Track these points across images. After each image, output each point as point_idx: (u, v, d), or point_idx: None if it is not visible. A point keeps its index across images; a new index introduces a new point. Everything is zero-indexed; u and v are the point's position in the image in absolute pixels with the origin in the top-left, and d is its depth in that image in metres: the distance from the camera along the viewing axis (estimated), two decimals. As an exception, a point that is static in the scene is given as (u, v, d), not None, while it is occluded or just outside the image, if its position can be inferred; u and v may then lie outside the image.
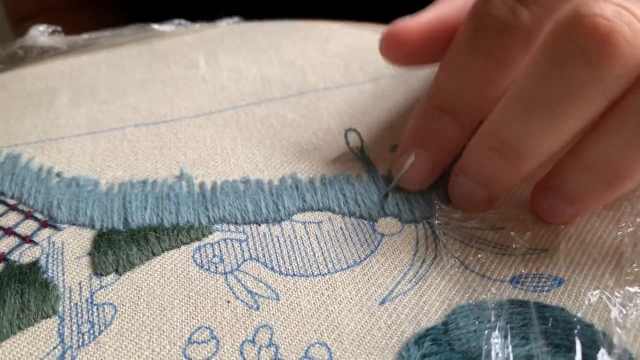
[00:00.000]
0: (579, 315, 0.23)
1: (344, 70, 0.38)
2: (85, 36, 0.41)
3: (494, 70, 0.26)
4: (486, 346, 0.21)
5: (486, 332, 0.22)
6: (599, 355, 0.21)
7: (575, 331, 0.22)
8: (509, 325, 0.22)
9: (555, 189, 0.25)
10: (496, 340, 0.21)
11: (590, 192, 0.24)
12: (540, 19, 0.25)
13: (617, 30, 0.21)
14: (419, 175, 0.28)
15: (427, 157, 0.27)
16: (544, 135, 0.23)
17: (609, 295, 0.23)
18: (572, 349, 0.21)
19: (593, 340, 0.22)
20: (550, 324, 0.22)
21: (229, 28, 0.44)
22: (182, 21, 0.44)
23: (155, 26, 0.42)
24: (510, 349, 0.21)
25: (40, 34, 0.40)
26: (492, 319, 0.22)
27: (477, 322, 0.22)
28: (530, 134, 0.23)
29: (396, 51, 0.29)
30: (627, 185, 0.24)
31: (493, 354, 0.21)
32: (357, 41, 0.42)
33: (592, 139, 0.24)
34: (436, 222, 0.27)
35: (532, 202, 0.27)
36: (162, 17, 0.44)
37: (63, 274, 0.25)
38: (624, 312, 0.22)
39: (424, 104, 0.28)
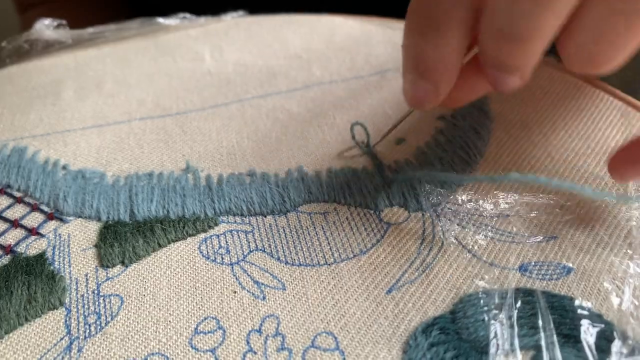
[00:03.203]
0: (588, 305, 0.22)
1: (350, 64, 0.38)
2: (90, 30, 0.41)
3: None
4: (493, 336, 0.21)
5: (493, 321, 0.22)
6: (613, 346, 0.21)
7: (585, 321, 0.22)
8: (517, 315, 0.22)
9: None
10: (503, 330, 0.21)
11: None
12: None
13: None
14: (422, 99, 0.26)
15: (421, 81, 0.26)
16: (538, 9, 0.22)
17: (619, 285, 0.23)
18: (581, 340, 0.21)
19: (603, 331, 0.21)
20: (558, 314, 0.22)
21: (234, 22, 0.44)
22: (188, 15, 0.43)
23: (161, 20, 0.42)
24: (517, 339, 0.21)
25: (45, 27, 0.40)
26: (500, 308, 0.22)
27: (485, 311, 0.22)
28: (523, 14, 0.22)
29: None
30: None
31: (500, 343, 0.21)
32: (363, 34, 0.41)
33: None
34: (443, 210, 0.26)
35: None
36: (168, 10, 0.44)
37: (69, 266, 0.25)
38: (637, 303, 0.22)
39: (408, 29, 0.26)
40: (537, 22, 0.22)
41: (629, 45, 0.23)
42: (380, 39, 0.40)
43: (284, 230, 0.26)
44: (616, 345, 0.21)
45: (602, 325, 0.22)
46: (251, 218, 0.27)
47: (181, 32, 0.43)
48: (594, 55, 0.23)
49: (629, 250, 0.24)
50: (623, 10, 0.21)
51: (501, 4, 0.22)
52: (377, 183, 0.28)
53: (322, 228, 0.26)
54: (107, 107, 0.35)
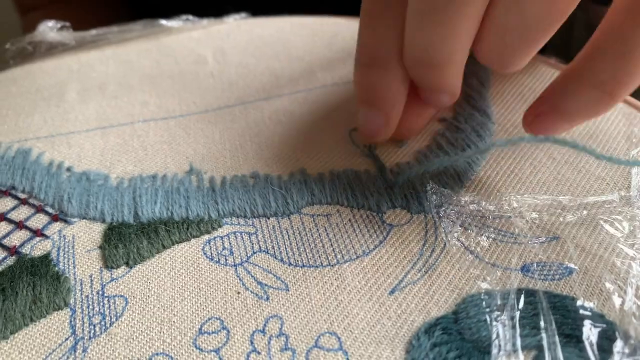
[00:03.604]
0: (590, 305, 0.23)
1: (352, 66, 0.38)
2: (93, 32, 0.41)
3: (402, 13, 0.26)
4: (495, 336, 0.21)
5: (495, 322, 0.22)
6: (615, 346, 0.21)
7: (587, 321, 0.22)
8: (519, 315, 0.22)
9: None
10: (506, 330, 0.21)
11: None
12: None
13: None
14: (375, 129, 0.29)
15: (375, 112, 0.28)
16: (443, 39, 0.24)
17: (622, 285, 0.23)
18: (583, 340, 0.21)
19: (605, 331, 0.21)
20: (560, 314, 0.22)
21: (236, 24, 0.44)
22: (190, 17, 0.44)
23: (163, 22, 0.43)
24: (519, 339, 0.21)
25: (49, 29, 0.40)
26: (502, 308, 0.22)
27: (487, 311, 0.22)
28: (431, 42, 0.24)
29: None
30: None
31: (502, 344, 0.21)
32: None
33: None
34: (445, 211, 0.27)
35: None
36: (170, 13, 0.44)
37: (74, 267, 0.25)
38: (639, 303, 0.22)
39: (355, 65, 0.29)
40: (448, 47, 0.25)
41: (529, 47, 0.25)
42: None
43: (287, 232, 0.27)
44: (618, 345, 0.21)
45: (604, 325, 0.22)
46: (254, 220, 0.27)
47: (184, 34, 0.43)
48: (501, 56, 0.25)
49: (631, 251, 0.25)
50: (521, 11, 0.23)
51: (414, 36, 0.25)
52: (380, 185, 0.29)
53: (325, 230, 0.27)
54: (111, 109, 0.35)
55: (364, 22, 0.28)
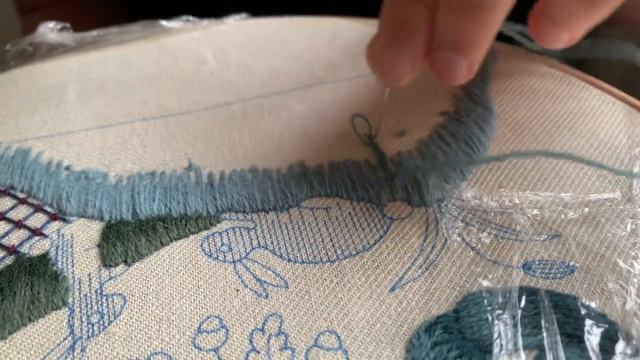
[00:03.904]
0: (592, 304, 0.22)
1: (352, 64, 0.38)
2: (93, 33, 0.41)
3: None
4: (497, 336, 0.21)
5: (497, 321, 0.21)
6: (617, 346, 0.21)
7: (589, 321, 0.21)
8: (520, 314, 0.22)
9: (543, 17, 0.25)
10: (507, 329, 0.21)
11: (572, 18, 0.25)
12: None
13: None
14: (401, 70, 0.26)
15: (404, 52, 0.26)
16: None
17: (624, 284, 0.23)
18: (584, 340, 0.21)
19: (607, 331, 0.21)
20: (562, 314, 0.22)
21: (236, 24, 0.44)
22: (190, 17, 0.44)
23: (164, 22, 0.43)
24: (521, 338, 0.21)
25: (49, 30, 0.40)
26: (504, 307, 0.22)
27: (489, 310, 0.22)
28: None
29: None
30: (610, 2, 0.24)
31: (503, 343, 0.21)
32: (365, 37, 0.41)
33: None
34: (446, 206, 0.26)
35: (532, 31, 0.26)
36: (170, 13, 0.44)
37: (72, 266, 0.25)
38: None
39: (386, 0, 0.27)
40: None
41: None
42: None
43: (286, 226, 0.26)
44: (620, 346, 0.21)
45: (606, 325, 0.21)
46: (253, 215, 0.27)
47: (184, 34, 0.43)
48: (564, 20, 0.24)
49: (633, 250, 0.24)
50: None
51: None
52: (380, 176, 0.28)
53: (325, 224, 0.26)
54: (110, 109, 0.35)
55: None
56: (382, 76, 0.26)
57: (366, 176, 0.28)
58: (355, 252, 0.25)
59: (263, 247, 0.26)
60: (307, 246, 0.25)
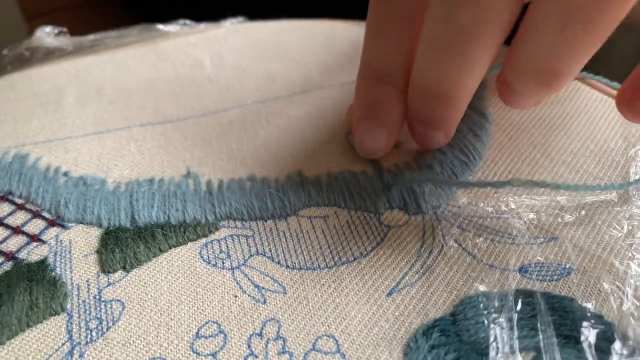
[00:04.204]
0: (588, 305, 0.22)
1: (349, 68, 0.38)
2: (90, 37, 0.41)
3: (411, 29, 0.26)
4: (493, 339, 0.21)
5: (493, 324, 0.22)
6: (613, 347, 0.21)
7: (585, 322, 0.22)
8: (516, 317, 0.22)
9: (504, 86, 0.25)
10: (503, 333, 0.21)
11: (528, 94, 0.24)
12: None
13: None
14: (376, 145, 0.29)
15: (378, 128, 0.28)
16: (460, 72, 0.24)
17: (620, 286, 0.23)
18: (581, 341, 0.21)
19: (603, 332, 0.21)
20: (559, 315, 0.22)
21: (233, 28, 0.44)
22: (187, 21, 0.44)
23: (160, 26, 0.43)
24: (517, 341, 0.21)
25: (46, 35, 0.40)
26: (500, 310, 0.22)
27: (485, 313, 0.22)
28: (447, 74, 0.24)
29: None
30: (564, 82, 0.23)
31: (500, 346, 0.21)
32: (361, 39, 0.41)
33: (519, 43, 0.23)
34: (443, 212, 0.27)
35: (500, 91, 0.26)
36: (167, 17, 0.44)
37: (71, 272, 0.25)
38: (637, 303, 0.22)
39: (360, 78, 0.28)
40: (463, 80, 0.24)
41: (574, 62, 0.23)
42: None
43: (284, 234, 0.27)
44: (617, 346, 0.21)
45: (603, 326, 0.22)
46: (252, 222, 0.27)
47: (181, 38, 0.43)
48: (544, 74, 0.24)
49: (629, 251, 0.24)
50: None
51: (428, 66, 0.24)
52: (377, 186, 0.29)
53: (323, 232, 0.27)
54: (108, 114, 0.35)
55: (370, 35, 0.27)
56: (359, 148, 0.29)
57: (363, 186, 0.29)
58: (352, 259, 0.25)
59: (261, 254, 0.26)
60: (304, 253, 0.26)
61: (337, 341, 0.22)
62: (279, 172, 0.30)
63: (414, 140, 0.29)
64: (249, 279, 0.25)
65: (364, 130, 0.29)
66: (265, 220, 0.27)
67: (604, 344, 0.21)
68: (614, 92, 0.34)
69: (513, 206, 0.27)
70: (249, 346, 0.22)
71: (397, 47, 0.26)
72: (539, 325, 0.22)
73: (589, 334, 0.21)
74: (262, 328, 0.23)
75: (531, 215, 0.26)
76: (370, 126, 0.28)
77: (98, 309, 0.24)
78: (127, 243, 0.26)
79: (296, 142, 0.32)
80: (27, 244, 0.27)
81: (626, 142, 0.30)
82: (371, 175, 0.29)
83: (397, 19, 0.26)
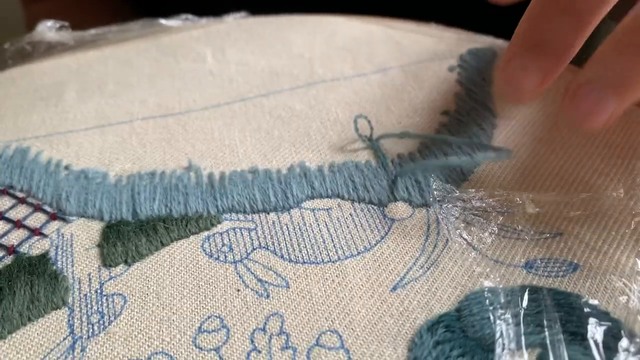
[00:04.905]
0: (595, 302, 0.22)
1: (352, 62, 0.38)
2: (92, 32, 0.41)
3: None
4: (499, 335, 0.21)
5: (499, 320, 0.21)
6: (620, 344, 0.21)
7: (592, 319, 0.21)
8: (522, 313, 0.22)
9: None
10: (509, 329, 0.21)
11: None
12: None
13: None
14: (527, 84, 0.25)
15: (537, 64, 0.24)
16: None
17: (627, 282, 0.23)
18: (587, 338, 0.21)
19: (610, 329, 0.21)
20: (565, 312, 0.22)
21: (236, 22, 0.44)
22: (190, 16, 0.43)
23: (163, 21, 0.42)
24: (523, 337, 0.21)
25: (47, 29, 0.40)
26: (506, 306, 0.22)
27: (491, 309, 0.22)
28: None
29: None
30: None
31: (506, 342, 0.21)
32: (364, 34, 0.41)
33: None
34: (447, 206, 0.26)
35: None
36: (170, 12, 0.44)
37: (72, 266, 0.25)
38: None
39: (536, 2, 0.25)
40: None
41: None
42: (381, 38, 0.40)
43: (287, 227, 0.26)
44: (623, 343, 0.21)
45: (609, 323, 0.21)
46: (254, 215, 0.27)
47: (183, 33, 0.43)
48: None
49: (636, 247, 0.24)
50: None
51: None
52: (381, 177, 0.28)
53: (326, 225, 0.26)
54: (109, 108, 0.35)
55: None
56: (506, 85, 0.25)
57: (367, 177, 0.28)
58: (356, 253, 0.25)
59: (264, 247, 0.25)
60: (308, 247, 0.25)
61: (341, 336, 0.22)
62: (282, 164, 0.30)
63: (573, 110, 0.23)
64: (252, 273, 0.24)
65: (521, 64, 0.24)
66: (268, 213, 0.27)
67: (610, 341, 0.21)
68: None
69: (518, 201, 0.26)
70: (252, 341, 0.22)
71: None
72: (545, 321, 0.21)
73: (595, 331, 0.21)
74: (265, 323, 0.22)
75: (536, 210, 0.26)
76: (532, 63, 0.24)
77: (100, 302, 0.24)
78: (128, 236, 0.26)
79: (299, 134, 0.32)
80: (28, 237, 0.27)
81: (625, 137, 0.30)
82: (375, 165, 0.29)
83: None
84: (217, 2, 0.46)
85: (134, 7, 0.62)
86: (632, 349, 0.20)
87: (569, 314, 0.22)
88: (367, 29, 0.42)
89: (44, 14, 0.43)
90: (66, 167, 0.30)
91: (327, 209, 0.27)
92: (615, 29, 0.23)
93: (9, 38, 0.41)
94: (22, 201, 0.28)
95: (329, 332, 0.22)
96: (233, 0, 0.47)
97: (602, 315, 0.22)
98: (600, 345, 0.21)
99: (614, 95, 0.22)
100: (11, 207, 0.28)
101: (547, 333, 0.21)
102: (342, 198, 0.28)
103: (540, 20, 0.24)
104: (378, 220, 0.26)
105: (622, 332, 0.21)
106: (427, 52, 0.38)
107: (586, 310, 0.22)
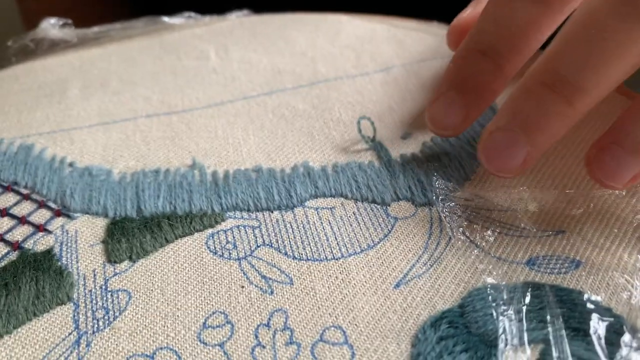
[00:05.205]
0: (597, 298, 0.22)
1: (355, 61, 0.38)
2: (95, 29, 0.41)
3: (541, 15, 0.25)
4: (502, 331, 0.21)
5: (502, 317, 0.22)
6: (623, 339, 0.21)
7: (594, 315, 0.22)
8: (525, 309, 0.22)
9: (620, 141, 0.23)
10: (512, 325, 0.21)
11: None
12: None
13: None
14: (451, 119, 0.27)
15: (461, 101, 0.27)
16: (606, 65, 0.22)
17: (629, 279, 0.23)
18: (590, 333, 0.21)
19: (612, 325, 0.21)
20: (567, 308, 0.22)
21: (238, 20, 0.44)
22: (192, 14, 0.44)
23: (166, 19, 0.43)
24: (526, 333, 0.21)
25: (51, 27, 0.40)
26: (509, 303, 0.22)
27: (493, 305, 0.22)
28: (591, 63, 0.22)
29: (459, 41, 0.29)
30: None
31: (508, 338, 0.21)
32: (368, 33, 0.41)
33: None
34: (450, 204, 0.26)
35: (589, 161, 0.24)
36: (173, 9, 0.44)
37: (77, 262, 0.25)
38: None
39: (463, 47, 0.27)
40: (600, 78, 0.23)
41: None
42: (384, 36, 0.40)
43: (291, 225, 0.26)
44: (626, 339, 0.21)
45: (612, 319, 0.22)
46: (258, 213, 0.27)
47: (186, 30, 0.43)
48: None
49: (638, 244, 0.24)
50: None
51: (570, 55, 0.23)
52: (384, 177, 0.28)
53: (330, 223, 0.26)
54: (113, 105, 0.35)
55: (494, 7, 0.26)
56: (434, 120, 0.27)
57: (370, 177, 0.29)
58: (359, 250, 0.25)
59: (268, 245, 0.26)
60: (311, 244, 0.25)
61: (344, 332, 0.22)
62: (285, 163, 0.30)
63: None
64: (256, 270, 0.24)
65: (448, 103, 0.27)
66: (272, 211, 0.27)
67: (613, 337, 0.21)
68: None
69: (521, 199, 0.26)
70: (257, 336, 0.22)
71: (520, 27, 0.25)
72: (547, 317, 0.22)
73: (597, 327, 0.21)
74: (269, 319, 0.23)
75: (539, 209, 0.26)
76: (456, 99, 0.27)
77: (104, 298, 0.24)
78: (133, 233, 0.26)
79: (302, 133, 0.32)
80: (33, 233, 0.27)
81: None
82: (378, 165, 0.29)
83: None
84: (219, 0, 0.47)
85: (134, 8, 0.62)
86: (634, 345, 0.21)
87: (572, 310, 0.22)
88: (369, 27, 0.42)
89: (41, 12, 0.43)
90: (70, 164, 0.30)
91: (331, 208, 0.27)
92: (525, 73, 0.24)
93: (5, 34, 0.41)
94: (26, 197, 0.29)
95: (332, 328, 0.22)
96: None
97: (604, 311, 0.22)
98: (603, 340, 0.21)
99: (525, 137, 0.24)
100: (16, 204, 0.28)
101: (549, 329, 0.21)
102: (346, 197, 0.28)
103: (464, 62, 0.27)
104: (381, 219, 0.26)
105: (624, 327, 0.21)
106: (429, 50, 0.38)
107: (588, 306, 0.22)
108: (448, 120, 0.27)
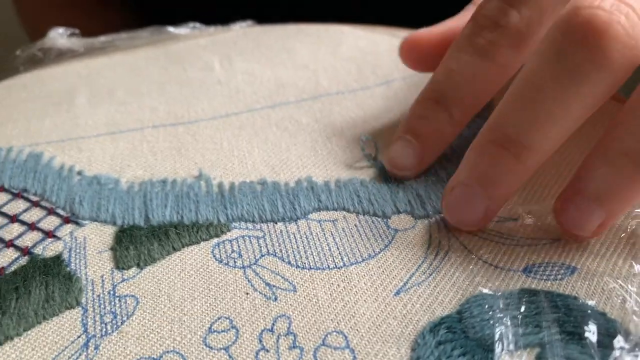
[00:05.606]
0: (592, 303, 0.23)
1: (357, 74, 0.39)
2: (102, 39, 0.42)
3: (488, 69, 0.27)
4: (498, 337, 0.22)
5: (498, 324, 0.22)
6: (616, 341, 0.21)
7: (589, 319, 0.22)
8: (520, 314, 0.22)
9: (582, 190, 0.24)
10: (508, 331, 0.22)
11: (622, 185, 0.23)
12: (530, 20, 0.27)
13: (615, 20, 0.22)
14: (406, 161, 0.29)
15: (416, 145, 0.29)
16: (548, 123, 0.24)
17: (623, 284, 0.24)
18: (584, 337, 0.22)
19: (606, 328, 0.22)
20: (562, 312, 0.23)
21: (242, 31, 0.45)
22: (197, 24, 0.44)
23: (171, 29, 0.43)
24: (522, 338, 0.22)
25: (58, 36, 0.41)
26: (505, 309, 0.23)
27: (490, 311, 0.23)
28: (534, 123, 0.24)
29: (412, 56, 0.32)
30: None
31: (505, 342, 0.21)
32: (369, 44, 0.42)
33: (617, 126, 0.24)
34: None
35: (557, 213, 0.25)
36: (177, 20, 0.45)
37: (85, 268, 0.26)
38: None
39: (420, 96, 0.30)
40: (545, 134, 0.24)
41: None
42: (386, 47, 0.41)
43: (294, 236, 0.27)
44: (619, 341, 0.21)
45: (606, 323, 0.22)
46: (262, 224, 0.28)
47: (191, 41, 0.44)
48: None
49: (632, 250, 0.25)
50: None
51: (514, 114, 0.25)
52: (385, 192, 0.29)
53: (332, 234, 0.27)
54: (120, 115, 0.36)
55: (448, 61, 0.29)
56: (389, 162, 0.30)
57: (371, 192, 0.29)
58: (361, 260, 0.26)
59: (272, 254, 0.26)
60: (314, 254, 0.26)
61: (346, 337, 0.23)
62: (289, 177, 0.31)
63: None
64: (260, 277, 0.25)
65: (401, 146, 0.29)
66: (276, 223, 0.28)
67: (607, 340, 0.21)
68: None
69: (519, 211, 0.27)
70: (260, 341, 0.23)
71: (469, 80, 0.28)
72: (543, 322, 0.22)
73: (592, 331, 0.22)
74: (273, 324, 0.23)
75: (536, 219, 0.27)
76: (409, 143, 0.29)
77: (112, 303, 0.24)
78: (141, 241, 0.27)
79: (306, 148, 0.33)
80: (43, 239, 0.27)
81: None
82: (379, 183, 0.30)
83: (480, 55, 0.27)
84: (223, 10, 0.47)
85: (139, 19, 0.63)
86: (627, 346, 0.21)
87: (567, 315, 0.23)
88: (371, 38, 0.43)
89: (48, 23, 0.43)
90: (79, 173, 0.31)
91: (333, 220, 0.28)
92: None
93: (8, 44, 0.42)
94: (36, 204, 0.29)
95: (334, 333, 0.23)
96: (239, 9, 0.48)
97: (599, 315, 0.22)
98: (597, 344, 0.21)
99: (483, 191, 0.25)
100: (25, 210, 0.29)
101: (545, 333, 0.22)
102: (348, 210, 0.28)
103: (419, 108, 0.30)
104: (382, 230, 0.27)
105: (618, 331, 0.22)
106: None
107: (583, 311, 0.23)
108: (406, 162, 0.29)
